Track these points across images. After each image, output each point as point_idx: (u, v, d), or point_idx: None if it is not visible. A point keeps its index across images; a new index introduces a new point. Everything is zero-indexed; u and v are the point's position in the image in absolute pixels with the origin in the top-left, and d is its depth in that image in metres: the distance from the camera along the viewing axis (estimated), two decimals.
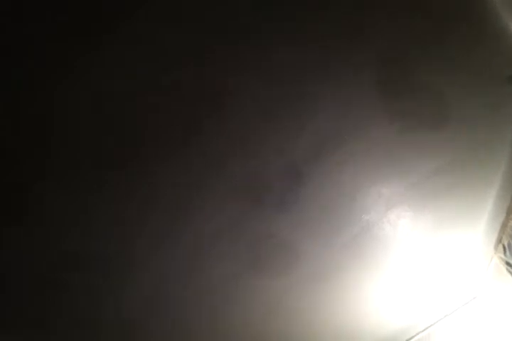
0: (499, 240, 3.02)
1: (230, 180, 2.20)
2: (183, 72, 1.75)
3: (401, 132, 2.14)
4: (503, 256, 3.00)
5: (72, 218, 2.08)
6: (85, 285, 2.46)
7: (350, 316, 3.49)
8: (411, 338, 3.81)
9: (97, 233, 2.23)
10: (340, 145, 2.16)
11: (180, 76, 1.75)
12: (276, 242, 2.59)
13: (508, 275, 3.00)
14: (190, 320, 3.02)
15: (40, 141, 1.75)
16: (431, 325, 3.77)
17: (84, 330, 2.83)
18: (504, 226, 2.92)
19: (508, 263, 2.97)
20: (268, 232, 2.52)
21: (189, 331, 3.10)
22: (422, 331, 3.79)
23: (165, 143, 1.96)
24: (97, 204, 2.09)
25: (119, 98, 1.74)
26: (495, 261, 3.17)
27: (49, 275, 2.29)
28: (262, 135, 2.04)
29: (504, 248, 2.97)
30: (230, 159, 2.11)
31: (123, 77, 1.69)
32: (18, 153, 1.77)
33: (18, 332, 2.41)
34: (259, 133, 2.03)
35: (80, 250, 2.27)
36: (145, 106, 1.81)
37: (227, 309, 3.03)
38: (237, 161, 2.13)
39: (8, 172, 1.79)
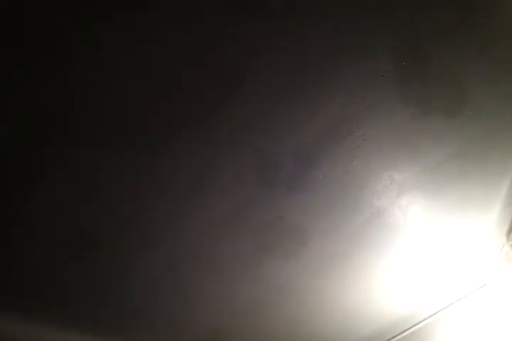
0: (511, 228, 3.04)
1: (241, 163, 2.23)
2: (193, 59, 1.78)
3: (415, 118, 2.15)
4: None
5: (83, 197, 2.14)
6: (95, 265, 2.55)
7: (359, 299, 3.54)
8: (418, 323, 3.87)
9: (108, 212, 2.30)
10: (352, 130, 2.17)
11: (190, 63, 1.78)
12: (286, 225, 2.63)
13: None
14: (199, 300, 3.11)
15: (57, 120, 1.81)
16: (438, 311, 3.82)
17: (94, 308, 2.95)
18: None
19: None
20: (278, 215, 2.55)
21: (197, 311, 3.18)
22: (429, 317, 3.84)
23: (175, 126, 2.00)
24: (108, 183, 2.15)
25: (133, 82, 1.78)
26: (506, 248, 3.20)
27: (62, 253, 2.37)
28: (274, 120, 2.06)
29: None
30: (241, 142, 2.14)
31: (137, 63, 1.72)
32: (34, 135, 1.81)
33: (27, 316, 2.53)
34: (271, 118, 2.06)
35: (90, 229, 2.34)
36: (156, 93, 1.84)
37: (236, 290, 3.11)
38: (248, 144, 2.16)
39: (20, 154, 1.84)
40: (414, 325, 3.94)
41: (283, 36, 1.78)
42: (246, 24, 1.72)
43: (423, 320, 3.89)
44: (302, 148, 2.24)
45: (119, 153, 2.04)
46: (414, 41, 1.91)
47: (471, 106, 2.20)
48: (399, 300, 3.65)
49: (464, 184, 2.61)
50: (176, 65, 1.79)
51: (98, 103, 1.81)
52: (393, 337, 4.06)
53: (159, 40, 1.71)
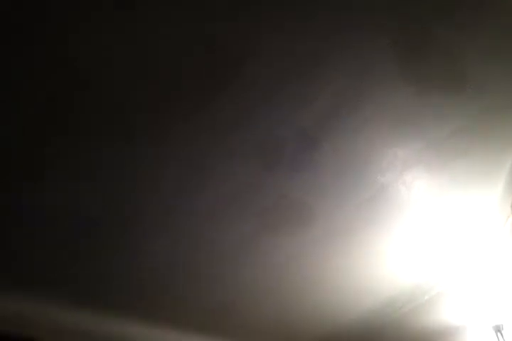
0: None
1: (244, 142, 2.25)
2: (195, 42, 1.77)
3: (416, 96, 2.14)
4: None
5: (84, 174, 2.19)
6: (101, 248, 2.63)
7: (365, 273, 3.61)
8: (424, 294, 3.94)
9: (111, 196, 2.33)
10: (355, 109, 2.17)
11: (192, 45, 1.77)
12: (289, 204, 2.66)
13: None
14: (205, 279, 3.20)
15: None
16: (444, 283, 3.88)
17: (99, 285, 3.06)
18: None
19: None
20: (280, 194, 2.58)
21: (202, 290, 3.29)
22: (434, 290, 3.91)
23: (180, 107, 2.00)
24: (111, 164, 2.17)
25: (131, 72, 1.79)
26: (511, 220, 3.21)
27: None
28: (276, 100, 2.06)
29: None
30: (244, 123, 2.15)
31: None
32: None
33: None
34: (273, 99, 2.05)
35: (94, 215, 2.39)
36: (155, 82, 1.85)
37: (241, 268, 3.20)
38: (251, 125, 2.17)
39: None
40: (420, 297, 4.00)
41: (281, 19, 1.76)
42: (245, 7, 1.70)
43: (429, 291, 3.94)
44: (303, 129, 2.24)
45: (119, 141, 2.05)
46: (414, 20, 1.88)
47: (472, 84, 2.17)
48: (403, 275, 3.69)
49: (467, 159, 2.61)
50: (174, 54, 1.78)
51: (98, 92, 1.82)
52: (398, 309, 4.15)
53: (157, 28, 1.69)
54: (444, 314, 3.98)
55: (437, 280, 3.86)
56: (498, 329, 3.37)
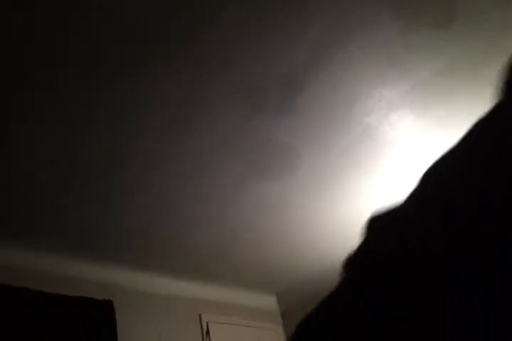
0: None
1: (231, 86, 2.26)
2: None
3: (405, 31, 2.10)
4: None
5: (78, 127, 2.33)
6: (93, 193, 2.80)
7: (347, 215, 3.56)
8: None
9: (101, 142, 2.46)
10: (340, 48, 2.15)
11: None
12: (277, 146, 2.73)
13: None
14: (189, 220, 3.28)
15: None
16: None
17: (91, 238, 3.24)
18: None
19: None
20: (268, 136, 2.65)
21: (194, 232, 3.41)
22: None
23: (166, 50, 2.03)
24: (101, 114, 2.28)
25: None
26: None
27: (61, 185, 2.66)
28: (262, 42, 2.05)
29: None
30: (229, 66, 2.15)
31: None
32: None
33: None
34: (259, 41, 2.04)
35: (86, 158, 2.54)
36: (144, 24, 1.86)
37: (231, 213, 3.25)
38: (237, 68, 2.17)
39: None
40: None
41: None
42: None
43: None
44: (289, 69, 2.23)
45: (109, 85, 2.11)
46: None
47: (463, 16, 2.11)
48: None
49: (452, 100, 2.62)
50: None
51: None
52: None
53: None
54: None
55: None
56: None
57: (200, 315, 4.02)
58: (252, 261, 4.04)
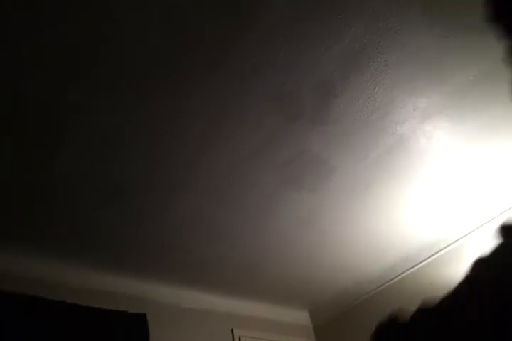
0: None
1: (264, 96, 2.27)
2: None
3: (440, 38, 2.08)
4: None
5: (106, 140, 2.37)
6: (130, 207, 2.83)
7: (384, 228, 3.55)
8: (443, 248, 3.89)
9: (135, 156, 2.49)
10: (374, 56, 2.14)
11: None
12: (310, 158, 2.72)
13: None
14: (223, 237, 3.30)
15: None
16: (465, 235, 3.78)
17: (125, 252, 3.28)
18: None
19: None
20: (302, 147, 2.64)
21: (228, 245, 3.42)
22: (455, 242, 3.83)
23: (191, 69, 2.06)
24: (135, 124, 2.31)
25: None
26: None
27: (95, 202, 2.73)
28: (296, 50, 2.05)
29: None
30: (263, 75, 2.15)
31: None
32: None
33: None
34: (292, 50, 2.05)
35: (120, 177, 2.58)
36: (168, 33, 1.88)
37: (264, 224, 3.24)
38: (270, 77, 2.17)
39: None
40: (441, 250, 3.92)
41: None
42: None
43: (451, 244, 3.86)
44: (323, 79, 2.23)
45: (139, 95, 2.14)
46: None
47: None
48: (425, 227, 3.63)
49: (490, 107, 2.56)
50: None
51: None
52: (419, 263, 4.07)
53: None
54: (465, 267, 3.66)
55: (457, 234, 3.79)
56: None
57: (232, 330, 3.99)
58: (284, 275, 4.00)
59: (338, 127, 2.55)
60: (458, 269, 3.75)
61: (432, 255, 4.05)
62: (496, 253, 3.34)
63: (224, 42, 1.97)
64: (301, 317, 4.79)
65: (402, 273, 4.28)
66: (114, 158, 2.48)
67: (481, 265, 3.46)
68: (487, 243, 3.60)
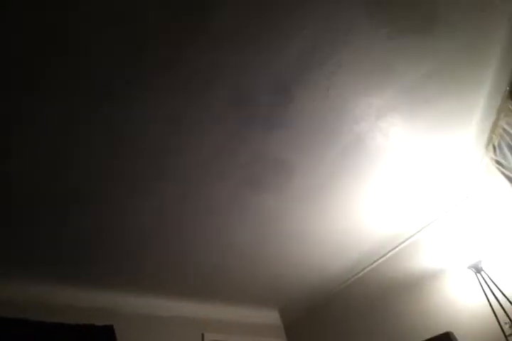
0: (490, 140, 3.05)
1: (218, 103, 2.26)
2: None
3: (389, 38, 2.14)
4: (493, 155, 3.04)
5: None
6: (88, 216, 2.75)
7: (346, 225, 3.63)
8: (405, 241, 4.02)
9: (96, 166, 2.42)
10: (327, 57, 2.17)
11: None
12: (270, 159, 2.74)
13: (499, 173, 3.05)
14: (188, 240, 3.26)
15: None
16: (425, 227, 3.94)
17: (85, 264, 3.20)
18: (495, 126, 2.94)
19: (498, 162, 3.00)
20: (260, 150, 2.65)
21: (192, 248, 3.38)
22: (416, 233, 3.98)
23: (146, 73, 2.02)
24: (89, 137, 2.24)
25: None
26: (485, 160, 3.23)
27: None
28: (249, 52, 2.05)
29: (494, 148, 3.00)
30: (218, 77, 2.14)
31: None
32: None
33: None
34: (246, 50, 2.04)
35: (77, 184, 2.50)
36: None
37: (227, 229, 3.25)
38: (225, 79, 2.15)
39: None
40: (401, 243, 4.05)
41: None
42: None
43: (410, 237, 4.00)
44: (278, 81, 2.24)
45: (95, 107, 2.09)
46: None
47: (443, 22, 2.15)
48: (385, 221, 3.73)
49: (441, 101, 2.65)
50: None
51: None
52: (381, 257, 4.23)
53: None
54: (424, 259, 3.86)
55: (417, 225, 3.92)
56: (477, 270, 3.27)
57: (202, 335, 3.99)
58: (251, 277, 4.02)
59: (295, 129, 2.57)
60: (418, 262, 3.87)
61: (393, 249, 4.16)
62: None
63: (178, 43, 1.94)
64: (271, 317, 4.84)
65: (366, 268, 4.39)
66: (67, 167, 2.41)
67: None
68: (446, 233, 3.73)
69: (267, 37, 2.00)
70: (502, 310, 2.98)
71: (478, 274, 3.25)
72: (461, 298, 3.46)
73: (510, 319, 2.93)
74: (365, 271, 4.39)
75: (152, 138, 2.36)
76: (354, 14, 2.00)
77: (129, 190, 2.67)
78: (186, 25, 1.86)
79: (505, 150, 2.84)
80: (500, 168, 2.97)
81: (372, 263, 4.33)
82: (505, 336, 2.93)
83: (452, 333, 3.16)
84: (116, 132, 2.25)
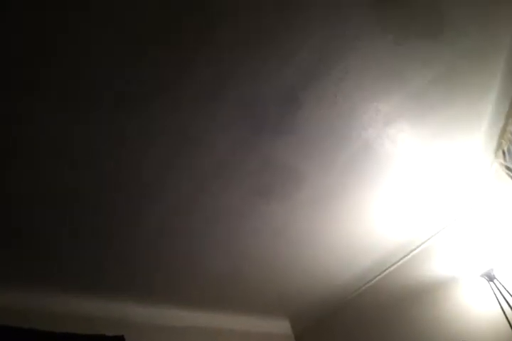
0: (499, 146, 3.05)
1: (229, 107, 2.25)
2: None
3: (395, 44, 2.14)
4: (502, 161, 3.04)
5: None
6: (96, 224, 2.69)
7: (355, 234, 3.60)
8: (416, 248, 4.01)
9: (100, 175, 2.38)
10: (334, 64, 2.18)
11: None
12: (278, 166, 2.72)
13: (509, 179, 3.04)
14: (198, 250, 3.22)
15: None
16: (435, 235, 3.90)
17: (95, 275, 3.10)
18: (503, 131, 2.94)
19: (508, 168, 3.01)
20: (269, 157, 2.64)
21: (196, 259, 3.32)
22: (427, 241, 3.95)
23: (154, 84, 2.00)
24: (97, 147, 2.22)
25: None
26: (495, 166, 3.22)
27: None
28: (258, 59, 2.05)
29: (504, 153, 3.01)
30: (227, 85, 2.13)
31: None
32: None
33: None
34: (251, 63, 2.05)
35: (81, 190, 2.45)
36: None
37: (236, 238, 3.21)
38: (234, 87, 2.15)
39: None
40: (413, 251, 4.03)
41: None
42: None
43: (421, 245, 3.98)
44: (286, 88, 2.24)
45: (104, 110, 2.06)
46: None
47: (450, 27, 2.16)
48: (396, 229, 3.70)
49: (448, 107, 2.64)
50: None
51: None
52: (392, 265, 4.21)
53: None
54: (436, 267, 3.85)
55: (427, 233, 3.89)
56: (490, 279, 3.26)
57: None
58: (262, 286, 3.99)
59: (303, 135, 2.56)
60: (430, 269, 3.84)
61: (404, 256, 4.14)
62: None
63: (187, 52, 1.95)
64: (281, 326, 4.79)
65: (377, 276, 4.36)
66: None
67: None
68: (457, 239, 3.72)
69: (274, 45, 2.01)
70: None
71: (491, 282, 3.23)
72: (474, 307, 3.43)
73: None
74: (376, 279, 4.37)
75: (157, 149, 2.35)
76: (360, 20, 2.01)
77: (135, 200, 2.63)
78: (189, 36, 1.87)
79: None
80: (510, 173, 2.97)
81: (383, 271, 4.31)
82: None
83: None
84: (116, 133, 2.22)
